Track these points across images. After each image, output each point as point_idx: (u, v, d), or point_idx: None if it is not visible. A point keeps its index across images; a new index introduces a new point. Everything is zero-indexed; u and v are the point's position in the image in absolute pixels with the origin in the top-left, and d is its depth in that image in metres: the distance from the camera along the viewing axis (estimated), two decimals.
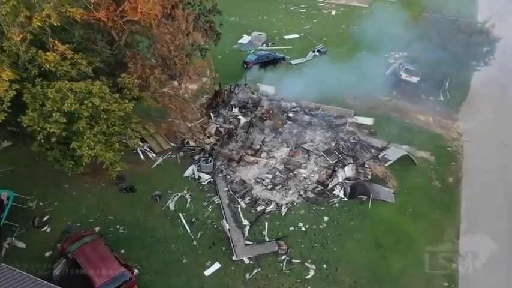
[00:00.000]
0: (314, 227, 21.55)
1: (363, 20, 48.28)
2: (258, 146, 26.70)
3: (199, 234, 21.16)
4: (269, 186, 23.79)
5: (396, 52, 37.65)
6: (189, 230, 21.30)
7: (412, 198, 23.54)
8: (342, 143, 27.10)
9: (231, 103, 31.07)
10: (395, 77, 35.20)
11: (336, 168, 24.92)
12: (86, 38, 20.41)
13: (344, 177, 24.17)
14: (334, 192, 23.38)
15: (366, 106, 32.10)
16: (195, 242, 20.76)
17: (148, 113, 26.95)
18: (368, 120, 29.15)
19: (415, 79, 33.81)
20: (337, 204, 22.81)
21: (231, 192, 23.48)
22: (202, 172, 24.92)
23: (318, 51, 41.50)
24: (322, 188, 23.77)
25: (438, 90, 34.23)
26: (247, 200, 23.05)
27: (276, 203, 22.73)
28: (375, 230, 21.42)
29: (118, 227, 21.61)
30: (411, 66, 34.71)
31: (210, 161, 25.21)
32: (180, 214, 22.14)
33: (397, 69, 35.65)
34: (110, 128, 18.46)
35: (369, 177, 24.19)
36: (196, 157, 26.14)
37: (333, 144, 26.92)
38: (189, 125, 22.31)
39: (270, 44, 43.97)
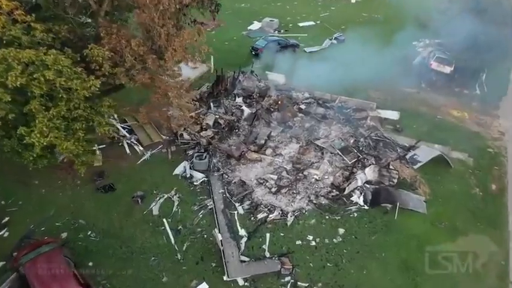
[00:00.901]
0: (327, 241, 17.46)
1: (388, 7, 44.17)
2: (263, 141, 22.70)
3: (185, 245, 17.29)
4: (273, 189, 19.78)
5: (425, 39, 33.07)
6: (173, 240, 17.44)
7: (447, 209, 19.24)
8: (362, 139, 22.89)
9: (235, 92, 27.13)
10: (424, 67, 30.82)
11: (355, 170, 20.76)
12: (54, 3, 16.72)
13: (364, 181, 20.01)
14: (352, 199, 19.25)
15: (390, 99, 27.85)
16: (179, 256, 16.89)
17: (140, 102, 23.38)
18: (393, 115, 24.87)
19: (447, 69, 29.37)
20: (355, 214, 18.67)
21: (228, 195, 19.54)
22: (196, 170, 21.05)
23: (335, 39, 37.30)
24: (337, 193, 19.67)
25: (474, 83, 29.71)
26: (246, 205, 19.09)
27: (281, 210, 18.71)
28: (402, 248, 17.23)
29: (89, 233, 17.87)
30: (443, 54, 30.22)
31: (205, 158, 21.30)
32: (164, 220, 18.30)
33: (427, 58, 31.23)
34: (72, 112, 14.70)
35: (395, 181, 19.95)
36: (190, 152, 22.29)
37: (352, 141, 22.74)
38: (178, 112, 18.51)
39: (282, 31, 39.94)
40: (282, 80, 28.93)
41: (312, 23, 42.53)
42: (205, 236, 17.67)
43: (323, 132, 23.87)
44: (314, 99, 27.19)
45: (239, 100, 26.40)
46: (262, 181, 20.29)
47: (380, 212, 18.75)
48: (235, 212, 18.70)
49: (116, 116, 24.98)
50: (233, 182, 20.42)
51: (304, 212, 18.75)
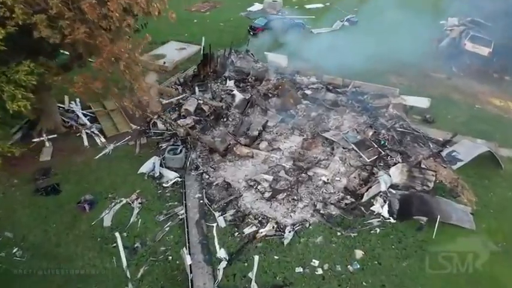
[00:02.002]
0: (339, 268, 12.46)
1: None
2: (256, 133, 17.79)
3: (141, 271, 12.40)
4: (267, 194, 14.84)
5: (455, 17, 27.91)
6: (125, 263, 12.55)
7: (503, 224, 14.21)
8: (383, 132, 17.87)
9: (226, 74, 22.28)
10: (454, 49, 25.74)
11: (376, 170, 15.76)
12: None
13: (389, 185, 15.02)
14: (373, 209, 14.27)
15: (415, 85, 22.88)
16: (130, 286, 12.03)
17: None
18: (422, 102, 19.81)
19: (485, 50, 24.27)
20: (378, 230, 13.66)
21: (206, 202, 14.64)
22: (168, 168, 16.21)
23: (347, 20, 32.35)
24: (353, 200, 14.70)
25: None
26: (229, 215, 14.17)
27: (276, 223, 13.77)
28: (447, 281, 12.18)
29: (15, 250, 13.09)
30: (479, 33, 25.12)
31: (180, 152, 16.44)
32: (117, 234, 13.43)
33: (458, 39, 26.13)
34: None
35: (431, 185, 14.93)
36: (164, 145, 17.45)
37: (370, 134, 17.73)
38: (131, 84, 13.72)
39: (286, 12, 35.01)
40: (284, 62, 24.03)
41: (320, 5, 37.67)
42: (170, 257, 12.77)
43: (333, 123, 18.92)
44: (322, 85, 22.24)
45: (230, 83, 21.53)
46: (253, 183, 15.37)
47: (412, 227, 13.73)
48: (214, 225, 13.78)
49: (78, 101, 20.43)
50: (215, 184, 15.54)
51: (307, 225, 13.79)
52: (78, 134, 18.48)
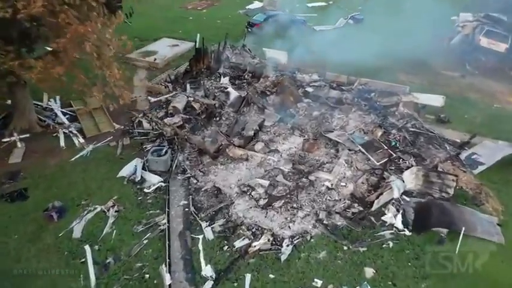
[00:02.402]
0: None
1: None
2: (252, 133, 15.90)
3: None
4: (262, 202, 12.93)
5: (468, 13, 26.08)
6: (93, 282, 10.66)
7: None
8: (394, 132, 15.97)
9: (220, 71, 20.48)
10: (467, 46, 23.93)
11: (387, 174, 13.84)
12: None
13: (402, 191, 13.09)
14: (384, 219, 12.34)
15: (427, 83, 21.06)
16: None
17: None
18: (436, 100, 17.90)
19: (501, 46, 22.49)
20: (390, 243, 11.71)
21: (192, 210, 12.74)
22: (151, 171, 14.35)
23: (352, 18, 30.64)
24: (361, 208, 12.76)
25: None
26: (218, 225, 12.26)
27: (273, 235, 11.85)
28: None
29: None
30: (495, 28, 23.31)
31: (166, 153, 14.57)
32: (86, 247, 11.55)
33: (471, 35, 24.32)
34: None
35: (451, 192, 12.98)
36: (149, 146, 15.59)
37: (379, 134, 15.83)
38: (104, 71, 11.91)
39: (287, 10, 33.30)
40: (283, 59, 22.24)
41: (322, 3, 36.05)
42: (146, 275, 10.85)
43: (338, 122, 17.04)
44: (325, 82, 20.42)
45: (225, 80, 19.72)
46: (246, 189, 13.46)
47: (430, 241, 11.77)
48: (200, 237, 11.86)
49: (58, 98, 18.67)
50: (204, 189, 13.65)
51: (309, 238, 11.86)
52: (54, 134, 16.69)
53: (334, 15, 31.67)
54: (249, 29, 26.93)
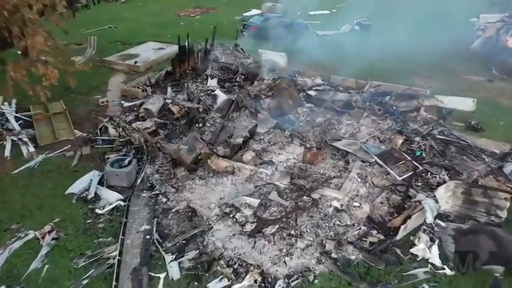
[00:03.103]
0: None
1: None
2: (240, 140, 12.77)
3: None
4: (249, 227, 9.70)
5: (489, 15, 23.28)
6: None
7: None
8: (417, 139, 12.81)
9: (208, 73, 17.58)
10: (492, 49, 21.07)
11: (413, 192, 10.62)
12: None
13: (435, 213, 9.84)
14: (414, 251, 9.05)
15: (448, 88, 18.01)
16: None
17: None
18: (465, 104, 14.68)
19: None
20: (426, 287, 8.39)
21: (155, 238, 9.51)
22: (110, 187, 11.21)
23: (357, 24, 27.96)
24: (381, 237, 9.48)
25: None
26: (188, 259, 8.99)
27: (262, 273, 8.56)
28: None
29: None
30: None
31: (129, 164, 11.45)
32: None
33: (495, 38, 21.49)
34: None
35: (503, 215, 9.70)
36: (112, 156, 12.47)
37: (399, 142, 12.68)
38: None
39: (288, 14, 30.75)
40: (282, 61, 19.32)
41: (326, 11, 33.57)
42: None
43: (346, 129, 13.94)
44: (331, 87, 17.45)
45: (212, 82, 16.79)
46: (229, 210, 10.26)
47: (481, 283, 8.45)
48: (162, 276, 8.60)
49: (14, 102, 15.80)
50: (174, 210, 10.46)
51: (312, 278, 8.56)
52: (1, 142, 13.69)
53: (338, 22, 29.05)
54: (244, 33, 24.23)
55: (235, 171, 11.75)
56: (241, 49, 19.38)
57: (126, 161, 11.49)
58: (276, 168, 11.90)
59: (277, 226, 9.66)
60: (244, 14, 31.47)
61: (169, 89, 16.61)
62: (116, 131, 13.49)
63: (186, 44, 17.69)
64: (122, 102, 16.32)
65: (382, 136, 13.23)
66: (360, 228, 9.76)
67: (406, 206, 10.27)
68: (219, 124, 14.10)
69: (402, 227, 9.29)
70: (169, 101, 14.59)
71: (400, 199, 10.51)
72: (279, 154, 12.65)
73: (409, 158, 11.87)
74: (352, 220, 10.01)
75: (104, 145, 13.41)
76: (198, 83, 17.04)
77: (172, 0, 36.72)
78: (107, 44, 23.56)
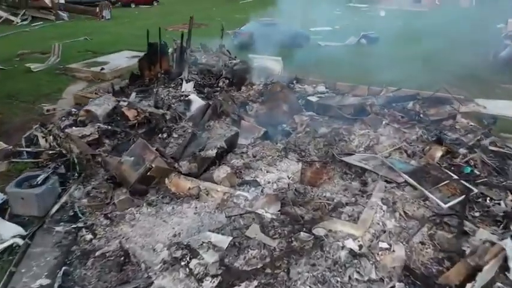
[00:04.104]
0: None
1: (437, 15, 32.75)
2: (214, 153, 9.09)
3: None
4: (208, 284, 5.85)
5: None
6: None
7: None
8: (463, 152, 9.12)
9: (183, 76, 14.14)
10: None
11: (470, 226, 6.81)
12: None
13: None
14: None
15: (483, 97, 14.52)
16: None
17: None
18: None
19: None
20: None
21: None
22: (14, 216, 7.48)
23: (364, 37, 24.90)
24: None
25: None
26: None
27: None
28: None
29: None
30: None
31: (43, 183, 7.75)
32: None
33: None
34: None
35: None
36: (31, 173, 8.75)
37: (438, 156, 8.98)
38: None
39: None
40: (277, 67, 16.05)
41: (328, 28, 30.69)
42: None
43: (360, 140, 10.27)
44: (336, 94, 13.98)
45: (187, 87, 13.33)
46: (182, 254, 6.44)
47: None
48: None
49: None
50: (99, 253, 6.66)
51: None
52: None
53: (343, 35, 26.10)
54: (235, 42, 21.13)
55: (202, 194, 8.04)
56: (228, 51, 16.11)
57: (40, 179, 7.79)
58: (262, 191, 8.15)
59: (256, 283, 5.83)
60: (238, 29, 28.56)
61: (133, 94, 13.16)
62: (46, 140, 9.87)
63: (158, 41, 14.39)
64: (73, 110, 12.81)
65: (411, 148, 9.55)
66: (393, 286, 5.91)
67: (463, 248, 6.45)
68: (190, 134, 10.47)
69: (469, 285, 5.45)
70: (125, 103, 11.05)
71: (452, 237, 6.70)
72: (267, 172, 8.93)
73: (456, 177, 8.15)
74: (378, 271, 6.18)
75: (30, 159, 9.78)
76: (170, 88, 13.58)
77: (164, 17, 34.20)
78: (76, 53, 20.47)
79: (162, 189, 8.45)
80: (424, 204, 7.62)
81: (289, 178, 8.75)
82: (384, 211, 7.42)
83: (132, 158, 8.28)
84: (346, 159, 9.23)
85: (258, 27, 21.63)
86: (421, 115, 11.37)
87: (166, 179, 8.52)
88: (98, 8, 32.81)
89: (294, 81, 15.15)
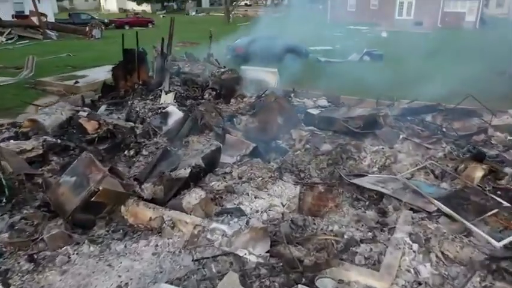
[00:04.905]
0: None
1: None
2: (187, 172, 7.04)
3: None
4: None
5: None
6: None
7: None
8: (509, 171, 7.07)
9: (163, 88, 12.24)
10: None
11: None
12: None
13: None
14: None
15: (505, 107, 12.59)
16: None
17: None
18: None
19: None
20: None
21: None
22: None
23: (367, 54, 23.25)
24: None
25: None
26: None
27: None
28: None
29: None
30: None
31: None
32: None
33: None
34: None
35: None
36: None
37: (479, 176, 6.92)
38: None
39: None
40: (272, 80, 14.19)
41: (328, 47, 29.21)
42: None
43: (373, 159, 8.25)
44: (337, 107, 12.05)
45: (167, 98, 11.42)
46: None
47: None
48: None
49: None
50: None
51: None
52: None
53: (344, 53, 24.51)
54: (229, 56, 19.46)
55: (166, 227, 5.95)
56: (216, 60, 14.33)
57: None
58: (247, 223, 6.06)
59: None
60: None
61: (102, 107, 11.24)
62: None
63: (136, 48, 12.61)
64: (19, 122, 10.84)
65: (439, 168, 7.51)
66: None
67: None
68: (162, 150, 8.44)
69: None
70: (84, 113, 9.08)
71: None
72: (254, 197, 6.87)
73: (507, 204, 6.08)
74: None
75: None
76: (148, 101, 11.67)
77: (158, 38, 32.85)
78: (53, 68, 18.73)
79: (116, 219, 6.39)
80: (469, 242, 5.51)
81: (283, 206, 6.68)
82: (414, 252, 5.32)
83: (74, 179, 6.22)
84: (358, 181, 7.20)
85: (254, 40, 19.96)
86: (444, 129, 9.37)
87: (123, 206, 6.46)
88: (88, 27, 31.47)
89: (292, 95, 13.29)
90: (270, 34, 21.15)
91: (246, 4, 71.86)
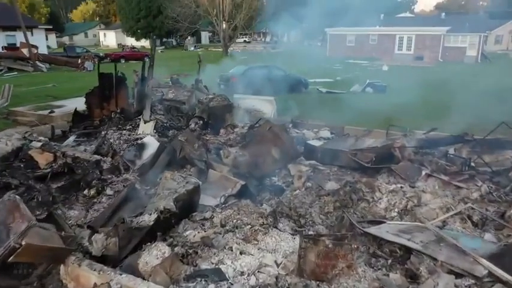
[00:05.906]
0: None
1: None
2: (153, 219, 5.37)
3: None
4: None
5: None
6: None
7: None
8: None
9: (145, 117, 10.74)
10: None
11: None
12: None
13: None
14: None
15: None
16: None
17: None
18: None
19: None
20: None
21: None
22: None
23: (370, 85, 22.04)
24: None
25: None
26: None
27: None
28: None
29: None
30: None
31: None
32: None
33: None
34: None
35: None
36: None
37: None
38: None
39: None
40: (268, 110, 12.80)
41: (328, 79, 28.16)
42: None
43: (391, 200, 6.59)
44: (341, 138, 10.52)
45: (146, 128, 9.90)
46: None
47: None
48: None
49: None
50: None
51: None
52: None
53: (345, 85, 23.35)
54: (222, 86, 18.18)
55: None
56: (205, 86, 12.95)
57: None
58: None
59: None
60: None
61: (71, 138, 9.71)
62: None
63: (114, 73, 11.24)
64: None
65: (478, 213, 5.86)
66: None
67: None
68: (130, 187, 6.81)
69: None
70: (38, 144, 7.51)
71: None
72: (240, 253, 5.17)
73: None
74: None
75: None
76: (124, 131, 10.14)
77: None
78: (33, 98, 17.42)
79: (51, 285, 4.68)
80: None
81: (278, 265, 4.98)
82: None
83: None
84: (375, 230, 5.53)
85: (249, 70, 18.76)
86: (473, 163, 7.78)
87: (62, 266, 4.77)
88: (80, 60, 30.57)
89: (290, 125, 11.80)
90: (267, 63, 20.00)
91: (244, 41, 72.11)
